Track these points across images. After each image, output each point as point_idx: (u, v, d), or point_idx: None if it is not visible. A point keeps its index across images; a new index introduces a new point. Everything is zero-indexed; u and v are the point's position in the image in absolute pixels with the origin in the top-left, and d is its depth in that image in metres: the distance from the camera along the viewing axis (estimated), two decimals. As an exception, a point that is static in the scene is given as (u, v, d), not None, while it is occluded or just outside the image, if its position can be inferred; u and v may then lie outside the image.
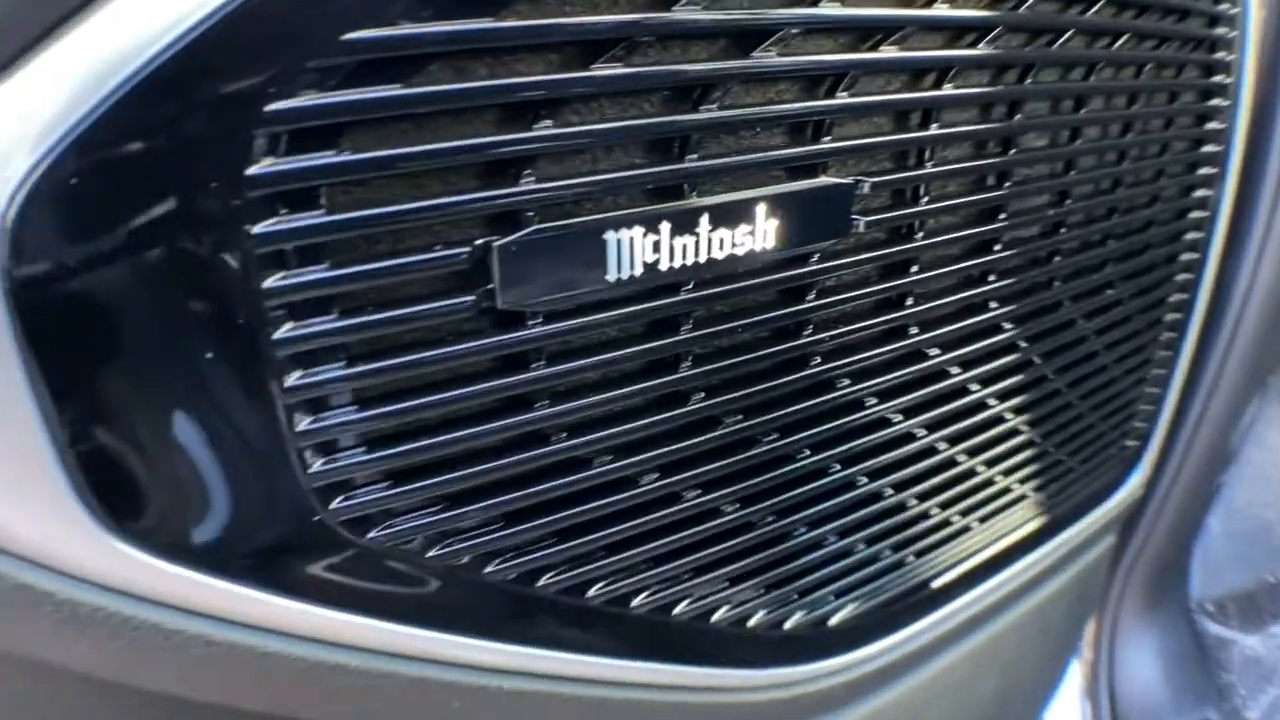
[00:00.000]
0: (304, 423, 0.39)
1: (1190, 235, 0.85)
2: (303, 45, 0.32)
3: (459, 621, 0.49)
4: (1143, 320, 0.83)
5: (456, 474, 0.43)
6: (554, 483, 0.46)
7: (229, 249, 0.34)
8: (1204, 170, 0.83)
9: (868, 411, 0.57)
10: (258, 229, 0.34)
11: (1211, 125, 0.81)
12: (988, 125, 0.56)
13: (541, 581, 0.49)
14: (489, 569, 0.47)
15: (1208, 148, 0.82)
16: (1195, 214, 0.84)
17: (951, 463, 0.66)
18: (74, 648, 0.40)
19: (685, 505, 0.51)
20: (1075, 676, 1.47)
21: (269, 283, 0.35)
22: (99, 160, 0.31)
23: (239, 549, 0.40)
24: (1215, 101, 0.80)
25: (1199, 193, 0.83)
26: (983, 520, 0.73)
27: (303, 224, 0.35)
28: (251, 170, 0.33)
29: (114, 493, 0.37)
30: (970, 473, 0.69)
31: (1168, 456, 1.17)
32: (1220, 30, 0.77)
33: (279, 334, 0.36)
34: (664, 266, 0.42)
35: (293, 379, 0.38)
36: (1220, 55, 0.78)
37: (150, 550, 0.38)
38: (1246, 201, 0.99)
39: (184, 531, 0.39)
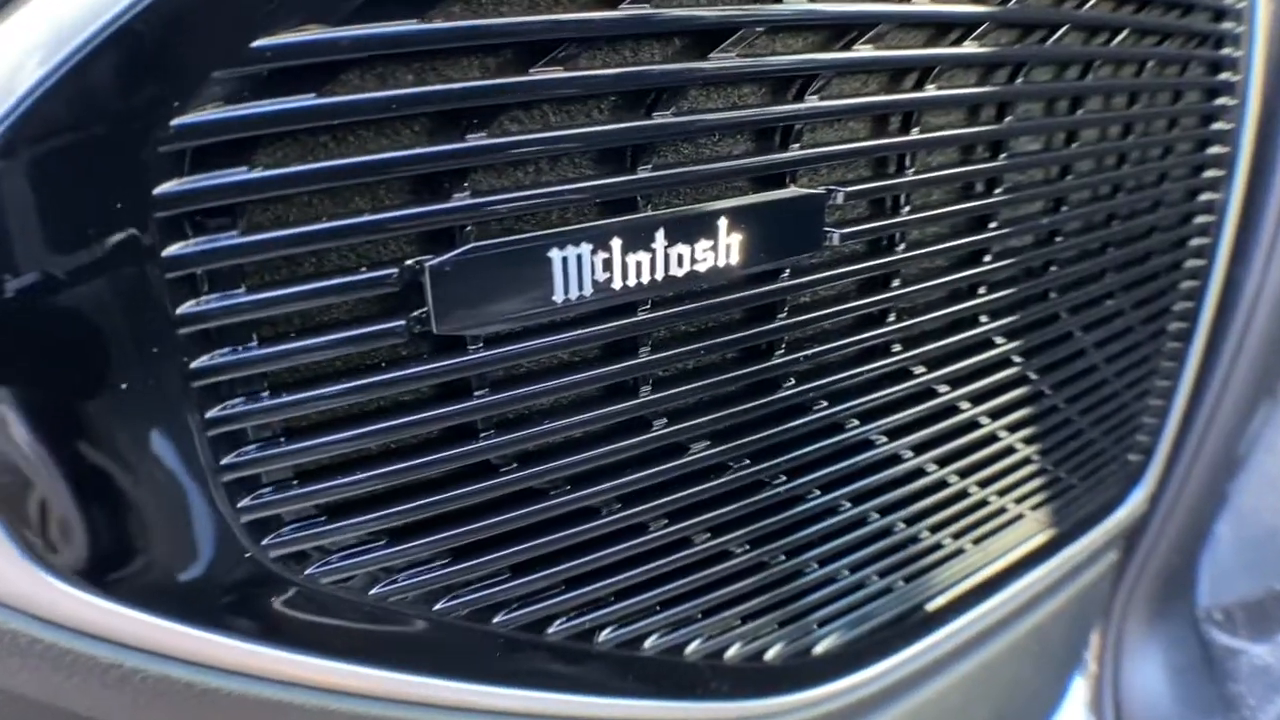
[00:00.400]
0: (226, 457, 0.36)
1: (1196, 241, 0.82)
2: (208, 54, 0.30)
3: (410, 660, 0.46)
4: (1146, 331, 0.80)
5: (397, 508, 0.41)
6: (505, 516, 0.43)
7: (138, 274, 0.31)
8: (1210, 173, 0.79)
9: (849, 434, 0.54)
10: (167, 252, 0.31)
11: (1218, 125, 0.78)
12: (975, 129, 0.52)
13: (497, 618, 0.46)
14: (439, 606, 0.45)
15: (1214, 149, 0.78)
16: (1201, 218, 0.81)
17: (942, 484, 0.63)
18: (15, 676, 0.38)
19: (651, 536, 0.49)
20: (1080, 690, 1.44)
21: (181, 309, 0.33)
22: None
23: (174, 585, 0.38)
24: (1222, 100, 0.77)
25: (1205, 196, 0.80)
26: (976, 542, 0.70)
27: (215, 246, 0.32)
28: (158, 190, 0.30)
29: (42, 527, 0.34)
30: (962, 494, 0.66)
31: (1173, 468, 1.14)
32: (1227, 25, 0.73)
33: (195, 364, 0.34)
34: (617, 285, 0.39)
35: (212, 411, 0.35)
36: (1227, 52, 0.75)
37: (82, 585, 0.36)
38: (1255, 203, 0.95)
39: (117, 567, 0.37)
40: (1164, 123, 0.72)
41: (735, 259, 0.42)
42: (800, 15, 0.40)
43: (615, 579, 0.49)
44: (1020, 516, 0.73)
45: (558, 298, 0.38)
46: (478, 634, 0.47)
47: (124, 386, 0.33)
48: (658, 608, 0.52)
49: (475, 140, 0.34)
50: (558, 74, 0.34)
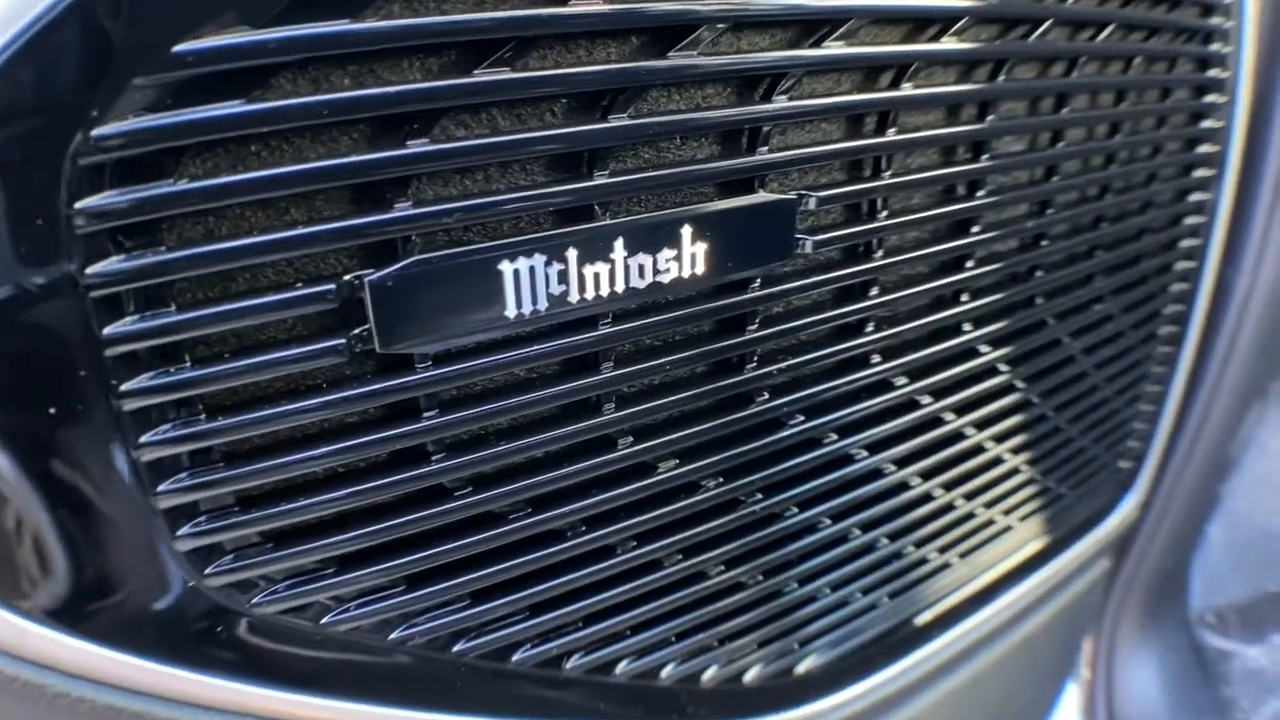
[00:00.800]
0: (162, 485, 0.34)
1: (1187, 242, 0.80)
2: (127, 60, 0.28)
3: (367, 690, 0.44)
4: (1136, 336, 0.78)
5: (345, 535, 0.39)
6: (460, 541, 0.41)
7: (61, 294, 0.30)
8: (1200, 172, 0.78)
9: (827, 449, 0.52)
10: (90, 271, 0.30)
11: (1208, 124, 0.76)
12: (955, 129, 0.50)
13: (457, 647, 0.44)
14: (394, 635, 0.43)
15: (1204, 148, 0.77)
16: (1192, 219, 0.79)
17: (926, 498, 0.61)
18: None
19: (619, 559, 0.47)
20: (1073, 697, 1.44)
21: (108, 330, 0.31)
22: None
23: (119, 616, 0.36)
24: (1211, 98, 0.75)
25: (1195, 196, 0.78)
26: (963, 556, 0.69)
27: (140, 264, 0.30)
28: (79, 205, 0.29)
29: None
30: (947, 508, 0.64)
31: (1164, 473, 1.13)
32: (1215, 20, 0.72)
33: (124, 387, 0.32)
34: (574, 299, 0.37)
35: (144, 437, 0.33)
36: (1216, 47, 0.73)
37: (25, 615, 0.35)
38: (1245, 202, 0.94)
39: (61, 598, 0.35)
40: (1152, 121, 0.70)
41: (701, 269, 0.40)
42: (766, 10, 0.38)
43: (582, 604, 0.46)
44: (1008, 529, 0.71)
45: (510, 313, 0.35)
46: (438, 663, 0.45)
47: (52, 412, 0.31)
48: (628, 632, 0.50)
49: (416, 147, 0.32)
50: (504, 75, 0.32)
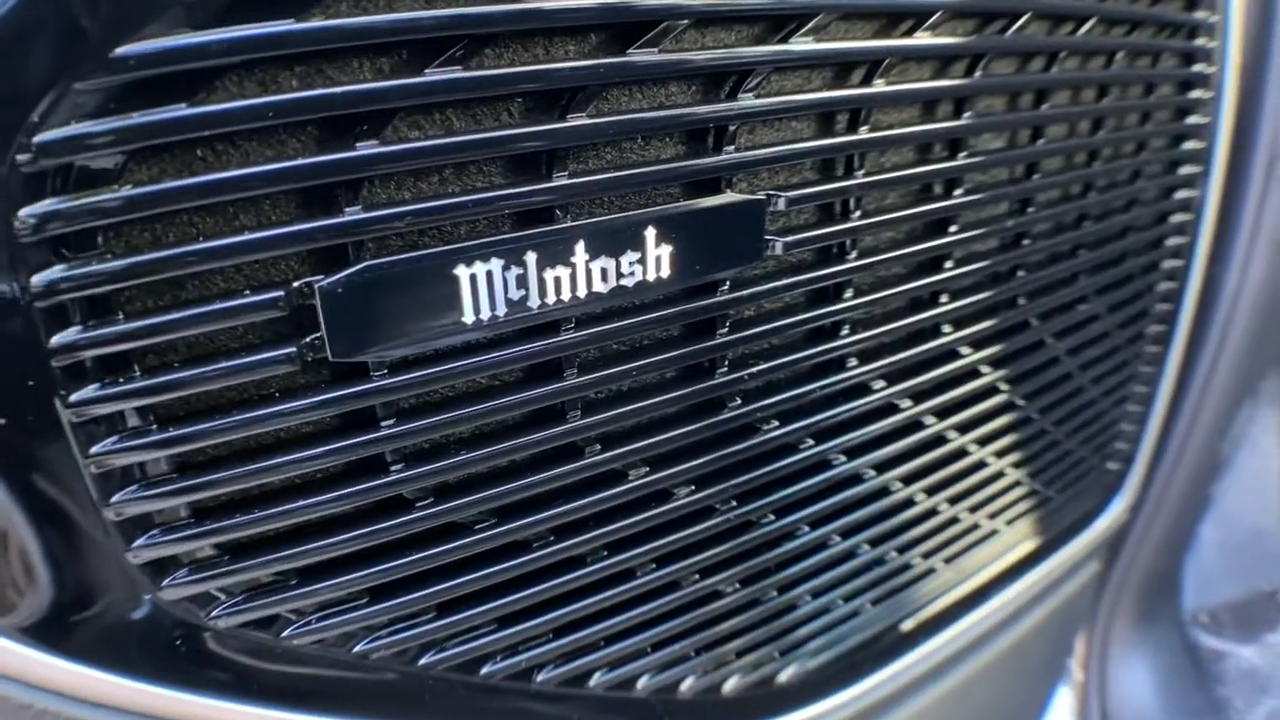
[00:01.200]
0: (114, 497, 0.34)
1: (1173, 240, 0.79)
2: (67, 65, 0.27)
3: (332, 705, 0.43)
4: (1123, 335, 0.77)
5: (303, 547, 0.38)
6: (423, 553, 0.40)
7: (6, 303, 0.29)
8: (1186, 169, 0.77)
9: (803, 455, 0.51)
10: (35, 280, 0.29)
11: (1193, 119, 0.75)
12: (930, 126, 0.50)
13: (424, 660, 0.44)
14: (359, 648, 0.42)
15: (1189, 144, 0.76)
16: (1178, 217, 0.78)
17: (908, 503, 0.61)
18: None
19: (589, 570, 0.46)
20: (1066, 699, 1.44)
21: (54, 340, 0.30)
22: None
23: (80, 629, 0.36)
24: (1197, 94, 0.75)
25: (1181, 194, 0.78)
26: (948, 561, 0.68)
27: (85, 271, 0.29)
28: (22, 212, 0.28)
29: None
30: (930, 513, 0.63)
31: (1155, 474, 1.13)
32: (1200, 14, 0.71)
33: (72, 397, 0.31)
34: (534, 304, 0.36)
35: (95, 448, 0.32)
36: (1201, 42, 0.73)
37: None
38: (1232, 199, 0.94)
39: (20, 611, 0.35)
40: (1136, 118, 0.69)
41: (666, 272, 0.39)
42: (732, 4, 0.37)
43: (551, 615, 0.46)
44: (995, 533, 0.71)
45: (468, 319, 0.35)
46: (405, 676, 0.44)
47: (1, 423, 0.31)
48: (602, 643, 0.49)
49: (366, 149, 0.31)
50: (456, 74, 0.32)
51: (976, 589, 0.74)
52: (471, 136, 0.33)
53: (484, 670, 0.46)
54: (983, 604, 0.76)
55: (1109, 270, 0.72)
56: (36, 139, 0.27)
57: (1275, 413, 1.92)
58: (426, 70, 0.32)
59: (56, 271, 0.29)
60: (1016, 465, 0.70)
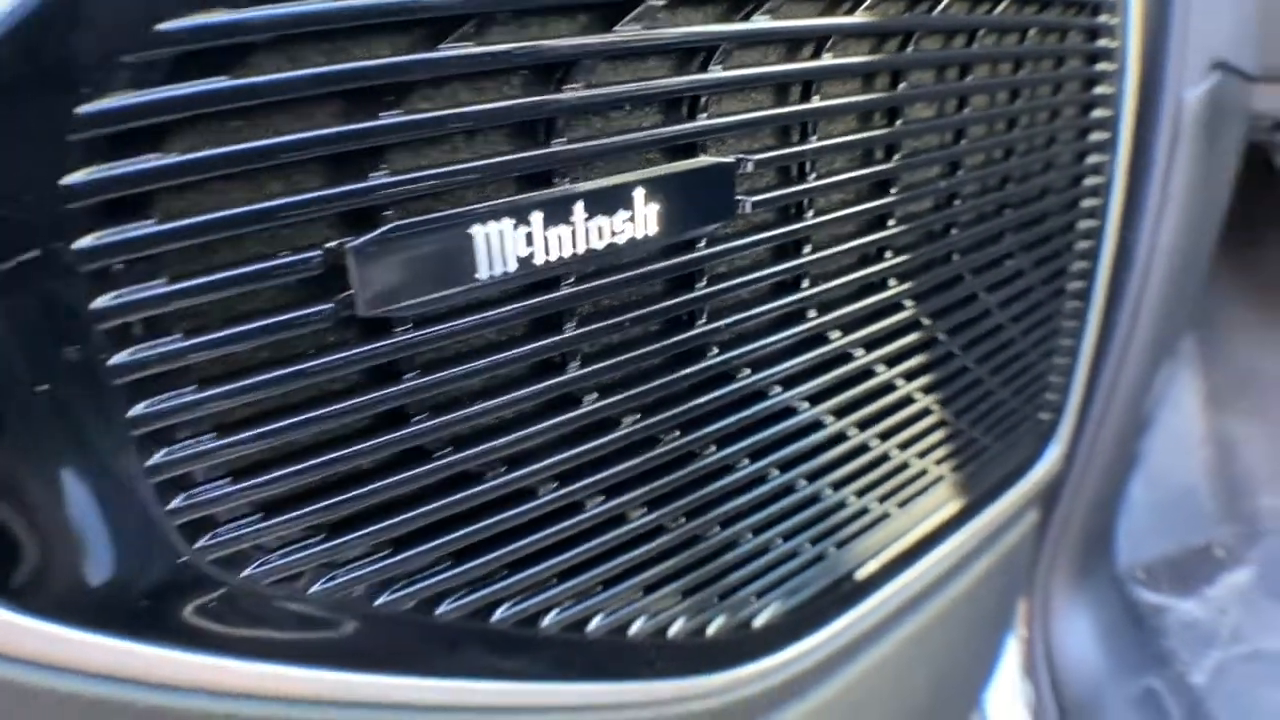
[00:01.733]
0: (155, 456, 0.37)
1: (1088, 202, 0.87)
2: (114, 40, 0.30)
3: (358, 658, 0.47)
4: (1046, 290, 0.84)
5: (332, 500, 0.41)
6: (443, 501, 0.44)
7: (51, 269, 0.32)
8: (1096, 135, 0.85)
9: (772, 401, 0.56)
10: (80, 244, 0.32)
11: (1100, 90, 0.83)
12: (870, 96, 0.55)
13: (441, 608, 0.47)
14: (381, 599, 0.45)
15: (1097, 113, 0.84)
16: (1091, 180, 0.86)
17: (864, 448, 0.66)
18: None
19: (588, 515, 0.50)
20: (1013, 655, 1.51)
21: (98, 303, 0.33)
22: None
23: (111, 599, 0.38)
24: (1102, 66, 0.82)
25: (1092, 159, 0.85)
26: (901, 505, 0.74)
27: (130, 236, 0.33)
28: (68, 180, 0.31)
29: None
30: (884, 457, 0.69)
31: (1084, 427, 1.20)
32: None
33: (114, 360, 0.34)
34: (540, 260, 0.40)
35: (136, 409, 0.35)
36: (1104, 19, 0.80)
37: (15, 607, 0.36)
38: (1140, 166, 1.02)
39: (51, 585, 0.37)
40: (1050, 88, 0.76)
41: (653, 230, 0.44)
42: None
43: (557, 559, 0.50)
44: (941, 478, 0.77)
45: (482, 274, 0.39)
46: (422, 626, 0.48)
47: (45, 389, 0.34)
48: (600, 587, 0.54)
49: (387, 118, 0.35)
50: (466, 49, 0.36)
51: (926, 535, 0.80)
52: (483, 106, 0.37)
53: (495, 617, 0.49)
54: (933, 550, 0.82)
55: (1031, 229, 0.78)
56: (84, 109, 0.30)
57: (1196, 375, 2.02)
58: (440, 46, 0.36)
59: (101, 236, 0.32)
60: (958, 413, 0.76)
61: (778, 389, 0.57)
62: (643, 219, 0.43)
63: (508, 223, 0.39)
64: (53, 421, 0.34)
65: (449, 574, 0.46)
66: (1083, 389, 1.08)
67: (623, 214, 0.42)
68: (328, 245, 0.36)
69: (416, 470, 0.42)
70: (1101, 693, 1.45)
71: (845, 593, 0.74)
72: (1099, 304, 1.00)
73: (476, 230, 0.38)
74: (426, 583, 0.46)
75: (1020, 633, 1.52)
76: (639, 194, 0.43)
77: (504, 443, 0.45)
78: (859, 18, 0.52)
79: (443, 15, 0.36)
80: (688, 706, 0.64)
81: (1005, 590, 1.13)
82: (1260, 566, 1.81)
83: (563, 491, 0.48)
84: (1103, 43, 0.81)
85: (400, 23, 0.35)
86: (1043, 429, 0.95)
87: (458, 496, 0.44)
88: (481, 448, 0.44)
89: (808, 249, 0.54)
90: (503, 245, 0.39)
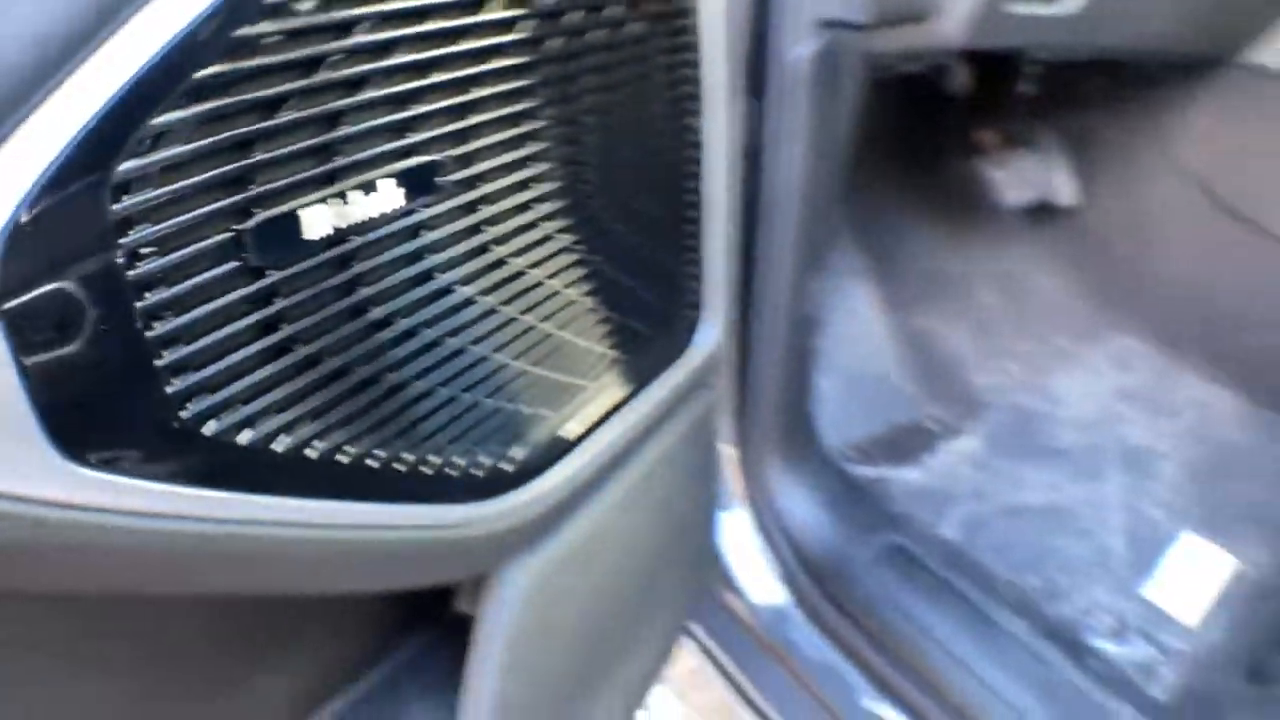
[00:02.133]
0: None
1: (689, 154, 1.13)
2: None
3: (275, 487, 0.69)
4: (673, 220, 1.13)
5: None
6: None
7: None
8: (689, 107, 1.10)
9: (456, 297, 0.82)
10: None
11: (684, 71, 1.07)
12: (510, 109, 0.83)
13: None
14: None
15: (686, 88, 1.09)
16: (690, 138, 1.12)
17: (532, 329, 0.91)
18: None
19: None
20: (745, 527, 1.68)
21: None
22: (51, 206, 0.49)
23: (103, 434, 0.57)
24: (684, 56, 1.08)
25: (688, 121, 1.10)
26: (589, 379, 1.03)
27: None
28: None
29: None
30: (549, 336, 0.95)
31: (749, 324, 1.48)
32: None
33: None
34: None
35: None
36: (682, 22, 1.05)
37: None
38: (758, 117, 1.30)
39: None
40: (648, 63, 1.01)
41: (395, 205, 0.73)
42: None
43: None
44: (614, 359, 1.05)
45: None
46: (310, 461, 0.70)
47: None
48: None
49: None
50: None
51: (615, 403, 1.06)
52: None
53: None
54: (621, 413, 1.08)
55: (651, 177, 1.06)
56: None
57: (882, 283, 2.31)
58: None
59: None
60: (610, 308, 1.02)
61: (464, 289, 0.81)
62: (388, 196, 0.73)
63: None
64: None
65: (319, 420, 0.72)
66: (737, 293, 1.37)
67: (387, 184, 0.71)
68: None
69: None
70: (843, 554, 1.64)
71: (563, 447, 1.01)
72: (736, 226, 1.30)
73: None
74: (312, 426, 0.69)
75: (749, 515, 1.69)
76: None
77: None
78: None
79: None
80: (446, 533, 0.87)
81: (700, 457, 1.36)
82: (987, 434, 2.11)
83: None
84: (683, 39, 1.06)
85: None
86: (690, 321, 1.22)
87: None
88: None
89: (484, 208, 0.84)
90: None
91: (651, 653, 1.31)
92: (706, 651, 1.67)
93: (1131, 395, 2.32)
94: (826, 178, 1.42)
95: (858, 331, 2.23)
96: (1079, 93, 2.29)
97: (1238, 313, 2.21)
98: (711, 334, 1.23)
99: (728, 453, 1.62)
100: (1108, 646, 1.64)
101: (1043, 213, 2.52)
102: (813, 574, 1.60)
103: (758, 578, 1.65)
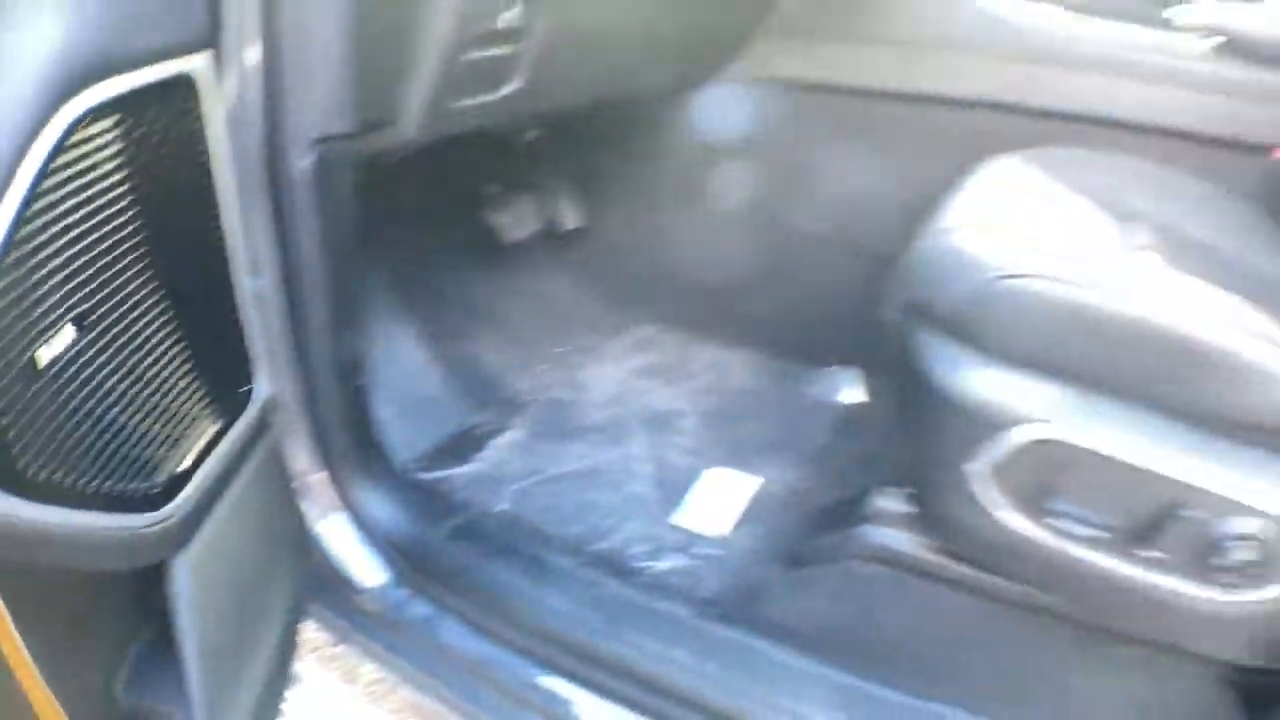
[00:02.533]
0: None
1: (210, 247, 1.29)
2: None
3: None
4: (206, 300, 1.29)
5: None
6: None
7: None
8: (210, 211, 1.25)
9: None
10: None
11: (202, 183, 1.23)
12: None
13: None
14: None
15: (204, 197, 1.26)
16: (213, 236, 1.27)
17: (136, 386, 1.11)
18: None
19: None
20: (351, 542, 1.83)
21: None
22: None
23: None
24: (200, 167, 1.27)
25: (210, 223, 1.26)
26: (186, 426, 1.29)
27: None
28: None
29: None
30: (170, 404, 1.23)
31: (307, 373, 1.66)
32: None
33: None
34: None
35: None
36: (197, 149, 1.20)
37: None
38: (277, 213, 1.51)
39: None
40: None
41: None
42: None
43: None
44: (199, 414, 1.33)
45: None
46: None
47: None
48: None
49: None
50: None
51: (207, 445, 1.34)
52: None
53: None
54: (212, 455, 1.35)
55: (183, 269, 1.23)
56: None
57: (417, 327, 2.55)
58: None
59: None
60: (170, 375, 1.21)
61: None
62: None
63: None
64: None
65: None
66: (293, 350, 1.57)
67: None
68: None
69: None
70: (424, 538, 1.85)
71: (185, 476, 1.23)
72: (281, 296, 1.50)
73: None
74: None
75: (349, 521, 1.86)
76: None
77: None
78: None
79: None
80: (132, 531, 1.13)
81: (279, 479, 1.60)
82: (528, 425, 2.38)
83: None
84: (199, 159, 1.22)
85: None
86: (249, 377, 1.42)
87: None
88: None
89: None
90: None
91: (282, 621, 1.62)
92: (346, 637, 1.90)
93: (652, 371, 2.66)
94: (344, 253, 1.62)
95: (408, 366, 2.49)
96: (572, 133, 2.66)
97: (739, 287, 2.60)
98: (264, 387, 1.46)
99: (320, 476, 1.82)
100: (650, 565, 1.91)
101: (554, 238, 2.85)
102: (405, 557, 1.85)
103: (364, 568, 1.87)
